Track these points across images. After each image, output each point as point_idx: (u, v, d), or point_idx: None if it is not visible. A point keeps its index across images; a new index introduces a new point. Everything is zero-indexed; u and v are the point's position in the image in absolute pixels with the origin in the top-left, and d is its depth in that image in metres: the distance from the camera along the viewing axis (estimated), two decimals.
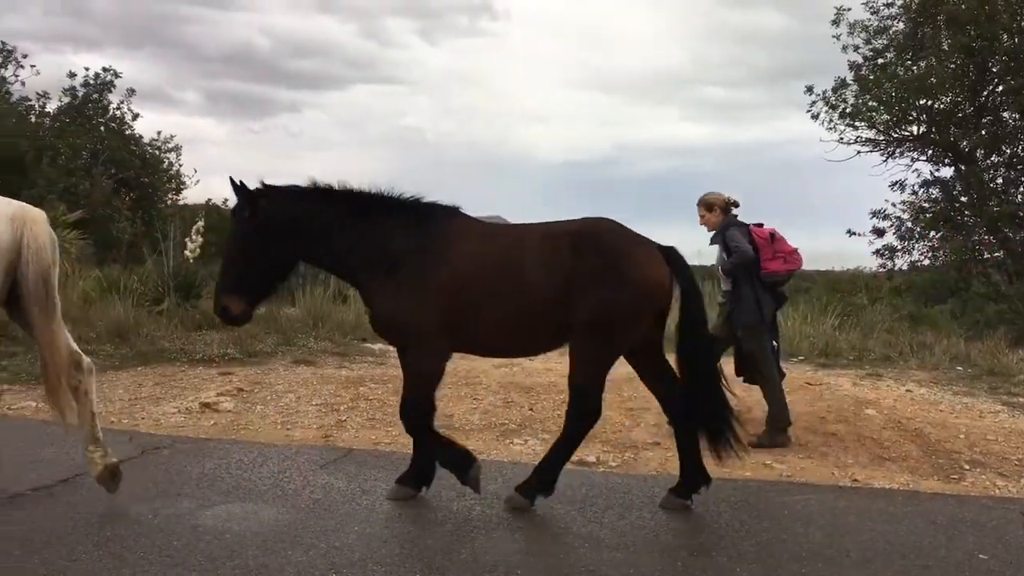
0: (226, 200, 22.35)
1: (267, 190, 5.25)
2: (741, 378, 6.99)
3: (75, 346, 5.11)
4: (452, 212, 5.32)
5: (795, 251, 6.82)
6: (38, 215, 4.86)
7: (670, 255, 5.17)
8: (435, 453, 5.29)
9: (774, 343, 6.98)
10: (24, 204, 4.92)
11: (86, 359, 5.11)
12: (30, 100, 24.50)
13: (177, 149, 24.94)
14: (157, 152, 24.56)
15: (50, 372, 4.84)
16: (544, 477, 5.21)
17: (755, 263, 6.70)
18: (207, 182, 26.32)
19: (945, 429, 7.27)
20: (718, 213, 6.94)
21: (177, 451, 6.28)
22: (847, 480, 6.06)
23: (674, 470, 6.14)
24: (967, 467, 6.42)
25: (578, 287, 4.93)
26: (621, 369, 9.30)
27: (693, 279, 5.26)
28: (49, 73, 25.47)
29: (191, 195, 25.14)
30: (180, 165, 25.32)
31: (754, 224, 6.91)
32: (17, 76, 24.69)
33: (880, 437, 6.96)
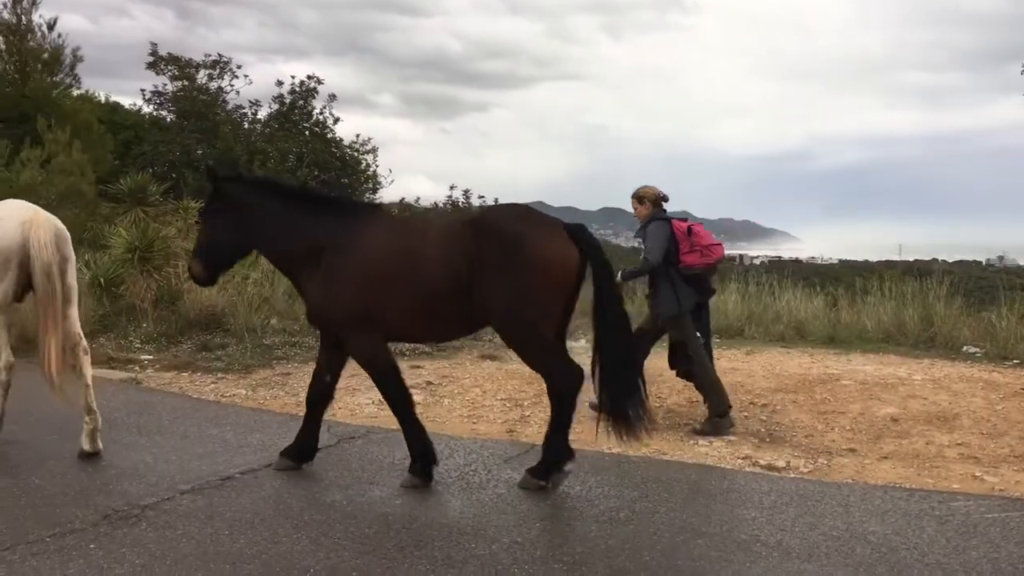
0: (418, 198, 23.18)
1: (232, 176, 6.08)
2: (675, 372, 7.34)
3: (80, 331, 5.95)
4: (373, 208, 5.92)
5: (713, 245, 7.07)
6: (44, 219, 5.78)
7: (579, 235, 5.24)
8: (412, 438, 5.57)
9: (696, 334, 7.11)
10: (37, 209, 5.89)
11: (84, 342, 5.96)
12: (244, 108, 26.39)
13: (374, 151, 26.07)
14: (356, 154, 25.79)
15: (54, 351, 5.63)
16: (550, 458, 5.35)
17: (673, 256, 6.96)
18: (401, 181, 27.47)
19: None
20: (648, 206, 7.22)
21: (370, 441, 6.54)
22: None
23: (872, 478, 5.85)
24: None
25: (482, 273, 5.08)
26: (815, 369, 8.97)
27: (603, 258, 5.28)
28: (261, 82, 27.35)
29: (386, 194, 26.21)
30: (377, 166, 26.45)
31: (676, 218, 7.17)
32: (232, 86, 26.63)
33: None
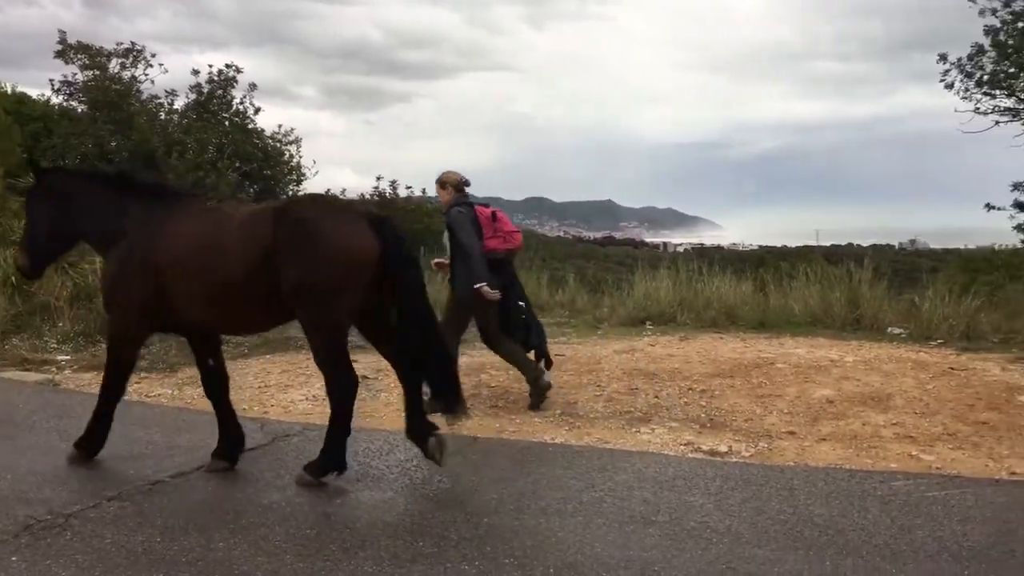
0: (344, 190, 22.76)
1: (52, 168, 6.29)
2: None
3: None
4: (183, 195, 5.95)
5: (515, 232, 7.26)
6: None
7: (380, 226, 5.23)
8: (96, 431, 5.72)
9: (521, 303, 7.33)
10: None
11: None
12: (159, 98, 25.52)
13: (297, 142, 25.46)
14: (278, 145, 25.18)
15: None
16: (330, 456, 5.25)
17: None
18: (326, 173, 26.96)
19: None
20: (450, 191, 7.25)
21: (306, 439, 6.33)
22: (1004, 473, 5.62)
23: (813, 460, 5.89)
24: None
25: (277, 263, 5.06)
26: (749, 354, 9.05)
27: (403, 249, 5.29)
28: (177, 72, 26.46)
29: (311, 186, 25.66)
30: (300, 157, 25.86)
31: (479, 204, 7.22)
32: (147, 75, 25.72)
33: None
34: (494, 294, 6.88)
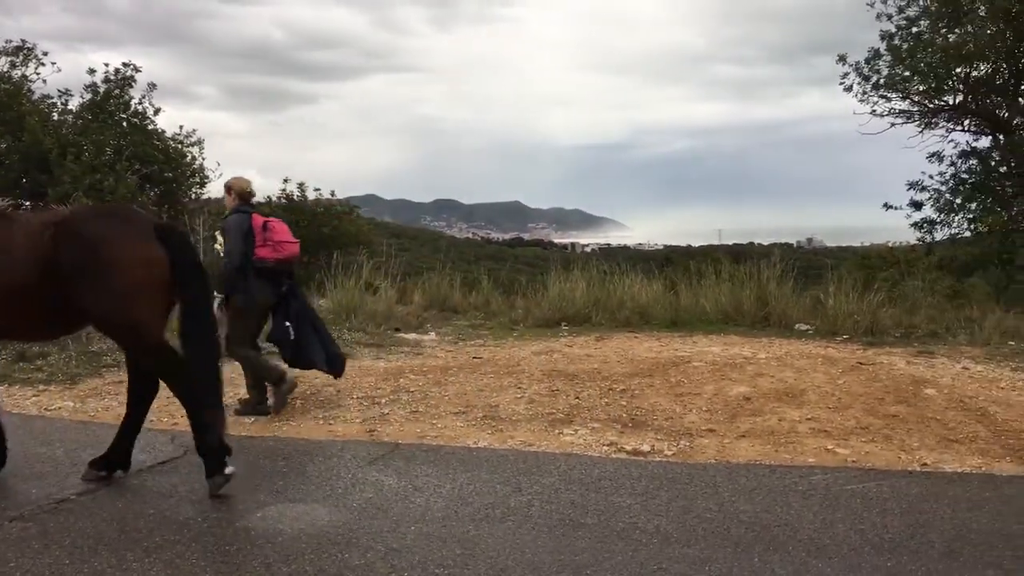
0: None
1: None
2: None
3: None
4: None
5: (288, 242, 7.17)
6: None
7: (167, 235, 5.19)
8: None
9: (287, 323, 7.14)
10: None
11: None
12: (52, 98, 24.46)
13: (200, 143, 24.72)
14: (180, 146, 24.41)
15: None
16: (212, 456, 5.13)
17: (250, 249, 7.00)
18: (231, 175, 26.27)
19: (1010, 408, 6.99)
20: (234, 198, 7.28)
21: None
22: (916, 464, 5.79)
23: (734, 457, 5.96)
24: None
25: (64, 274, 4.94)
26: (665, 353, 9.14)
27: (190, 259, 5.27)
28: (70, 71, 25.34)
29: (215, 188, 24.97)
30: (203, 159, 25.12)
31: (256, 213, 7.24)
32: (39, 74, 24.62)
33: (944, 418, 6.69)
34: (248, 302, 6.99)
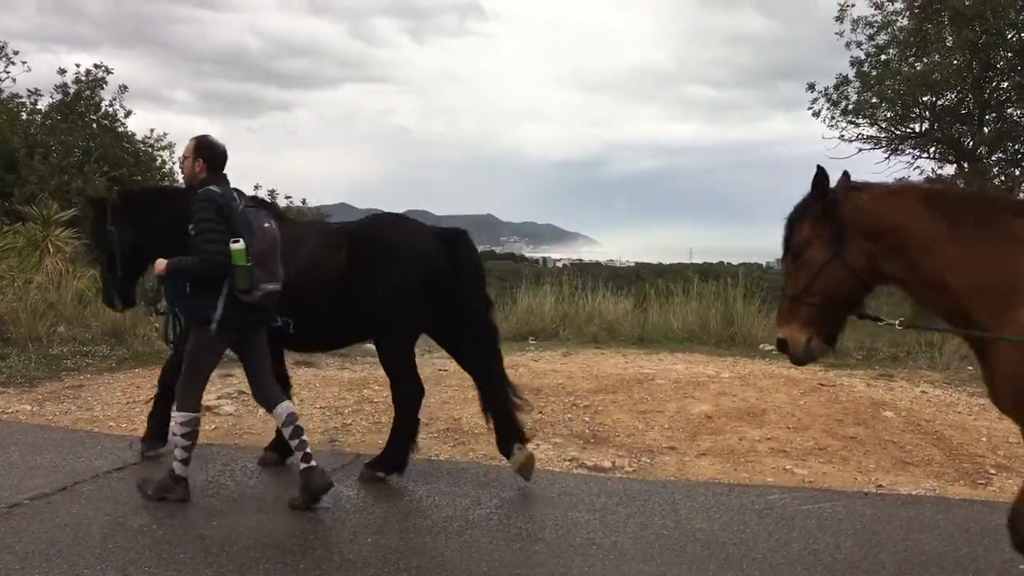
0: None
1: None
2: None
3: None
4: None
5: None
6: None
7: None
8: None
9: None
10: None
11: None
12: (21, 97, 24.18)
13: (170, 147, 24.58)
14: (150, 150, 24.25)
15: None
16: None
17: None
18: None
19: (966, 432, 7.10)
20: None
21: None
22: (871, 486, 5.87)
23: (693, 475, 6.00)
24: (993, 471, 6.24)
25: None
26: (630, 370, 9.19)
27: None
28: (41, 71, 25.08)
29: None
30: (173, 163, 24.96)
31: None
32: (8, 73, 24.36)
33: (901, 440, 6.78)
34: None
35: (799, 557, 4.50)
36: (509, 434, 5.59)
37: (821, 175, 3.58)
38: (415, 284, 5.38)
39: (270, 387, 5.16)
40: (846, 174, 3.66)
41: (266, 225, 4.95)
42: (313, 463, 5.02)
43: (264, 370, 5.17)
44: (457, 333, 5.77)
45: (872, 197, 3.56)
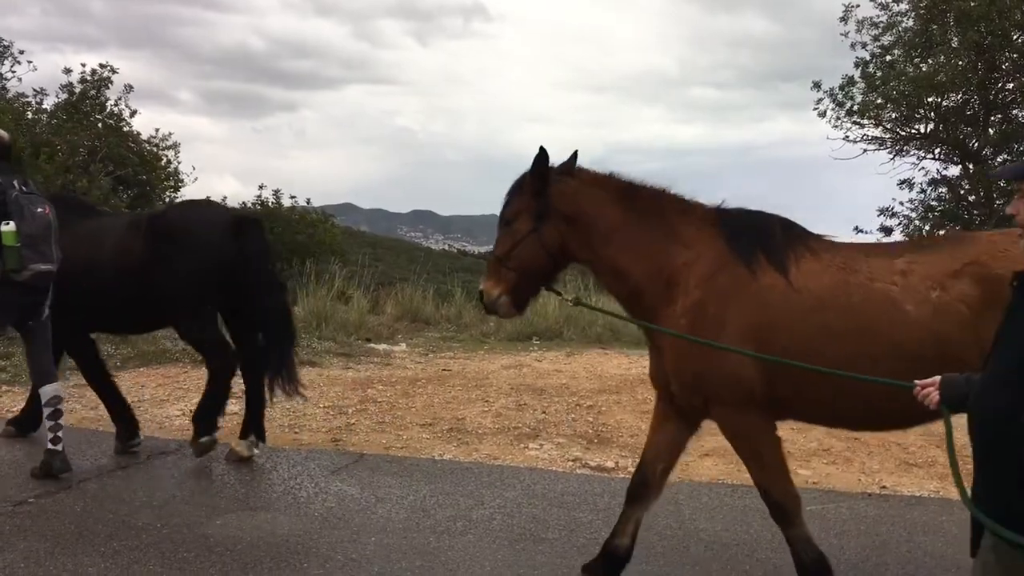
0: (225, 197, 22.09)
1: None
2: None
3: None
4: None
5: None
6: None
7: None
8: None
9: None
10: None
11: None
12: (27, 96, 24.25)
13: (175, 147, 24.59)
14: (155, 149, 24.27)
15: None
16: None
17: None
18: (206, 180, 26.21)
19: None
20: None
21: (184, 456, 6.07)
22: (875, 487, 5.87)
23: (696, 475, 6.00)
24: None
25: None
26: (634, 370, 9.19)
27: None
28: (47, 71, 25.16)
29: (189, 193, 24.79)
30: (179, 163, 24.99)
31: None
32: (14, 72, 24.43)
33: (905, 442, 6.77)
34: None
35: None
36: (253, 428, 6.07)
37: (542, 156, 3.90)
38: (206, 266, 5.74)
39: (47, 366, 5.61)
40: (574, 155, 4.00)
41: (39, 210, 5.27)
42: (60, 447, 5.42)
43: (42, 349, 5.57)
44: (246, 316, 6.09)
45: (576, 184, 3.93)
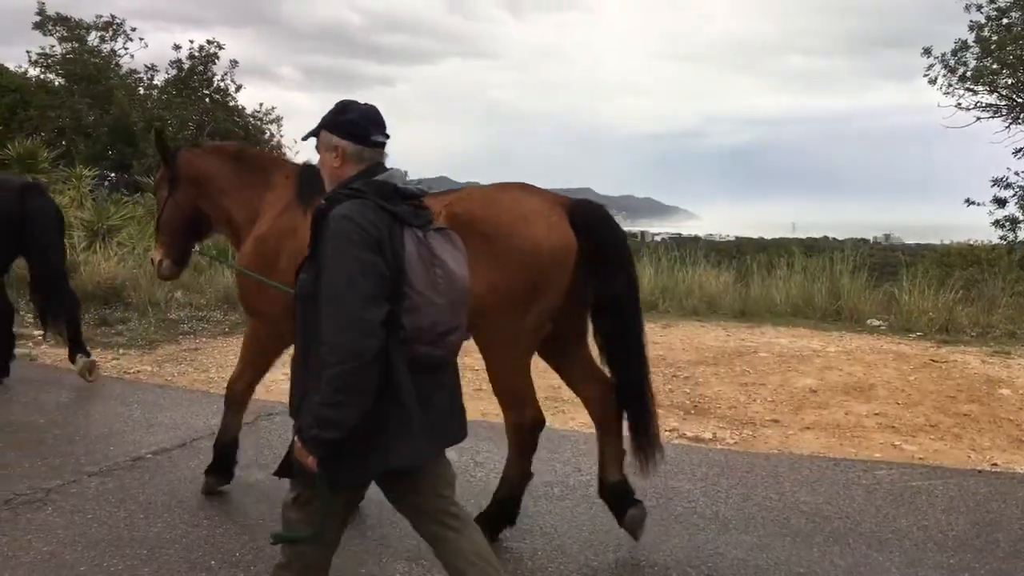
0: None
1: None
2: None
3: None
4: None
5: None
6: None
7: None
8: None
9: None
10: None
11: None
12: (139, 73, 25.20)
13: (278, 120, 25.30)
14: (260, 123, 24.97)
15: None
16: None
17: None
18: (308, 153, 26.79)
19: None
20: None
21: (288, 418, 6.25)
22: (986, 464, 5.67)
23: (796, 448, 5.90)
24: None
25: None
26: (731, 342, 9.06)
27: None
28: (157, 49, 26.09)
29: None
30: (282, 136, 25.69)
31: None
32: (127, 49, 25.42)
33: (1018, 419, 6.51)
34: None
35: (908, 532, 4.39)
36: (75, 346, 7.10)
37: (157, 135, 5.00)
38: None
39: None
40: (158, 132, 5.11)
41: None
42: None
43: None
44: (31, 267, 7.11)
45: (198, 152, 4.89)
